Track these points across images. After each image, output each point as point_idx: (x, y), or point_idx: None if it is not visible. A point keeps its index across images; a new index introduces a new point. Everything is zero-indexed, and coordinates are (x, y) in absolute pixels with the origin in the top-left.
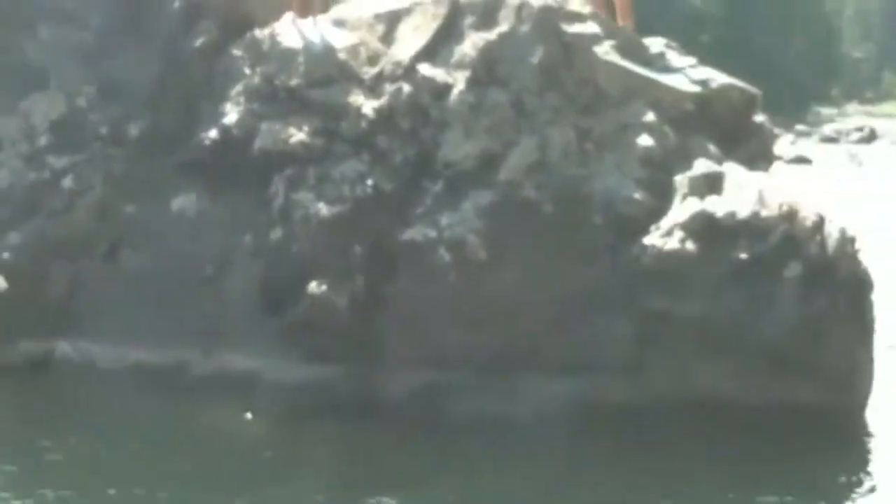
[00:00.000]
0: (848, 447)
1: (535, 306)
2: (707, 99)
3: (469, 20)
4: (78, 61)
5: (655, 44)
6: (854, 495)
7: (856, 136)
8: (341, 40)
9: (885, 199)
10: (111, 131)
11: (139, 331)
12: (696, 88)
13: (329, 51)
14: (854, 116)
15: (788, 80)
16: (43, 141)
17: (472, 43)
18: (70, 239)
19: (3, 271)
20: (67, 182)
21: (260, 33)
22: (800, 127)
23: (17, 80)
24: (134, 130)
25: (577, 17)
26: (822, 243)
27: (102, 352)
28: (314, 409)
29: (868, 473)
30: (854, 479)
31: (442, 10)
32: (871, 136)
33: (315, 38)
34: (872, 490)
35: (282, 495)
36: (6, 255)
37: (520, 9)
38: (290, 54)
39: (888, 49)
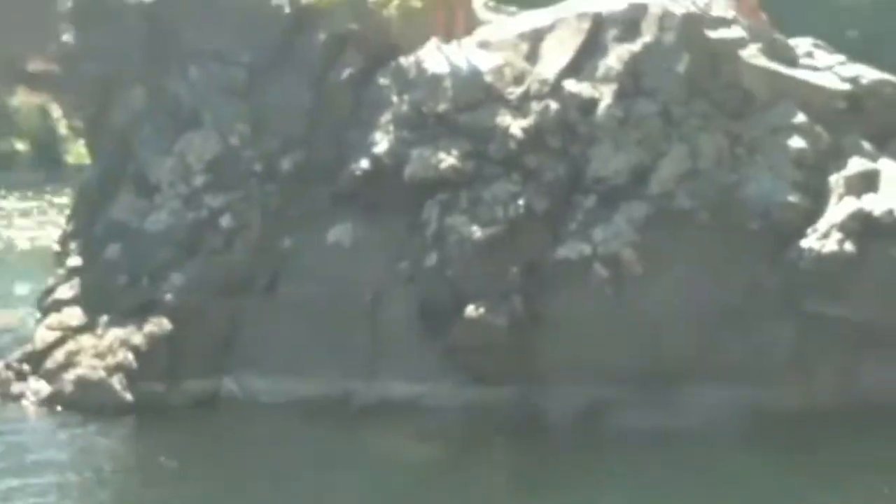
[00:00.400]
0: None
1: (694, 316)
2: (859, 96)
3: (612, 33)
4: (229, 99)
5: (802, 43)
6: None
7: None
8: (486, 62)
9: None
10: (265, 167)
11: (301, 363)
12: (847, 86)
13: (475, 74)
14: None
15: None
16: (199, 181)
17: (616, 56)
18: (230, 276)
19: (166, 312)
20: (225, 220)
21: (405, 61)
22: None
23: (170, 120)
24: (287, 164)
25: (722, 22)
26: None
27: (266, 386)
28: (479, 431)
29: None
30: None
31: (585, 25)
32: None
33: (460, 62)
34: None
35: None
36: (169, 296)
37: (663, 18)
38: (436, 80)
39: None
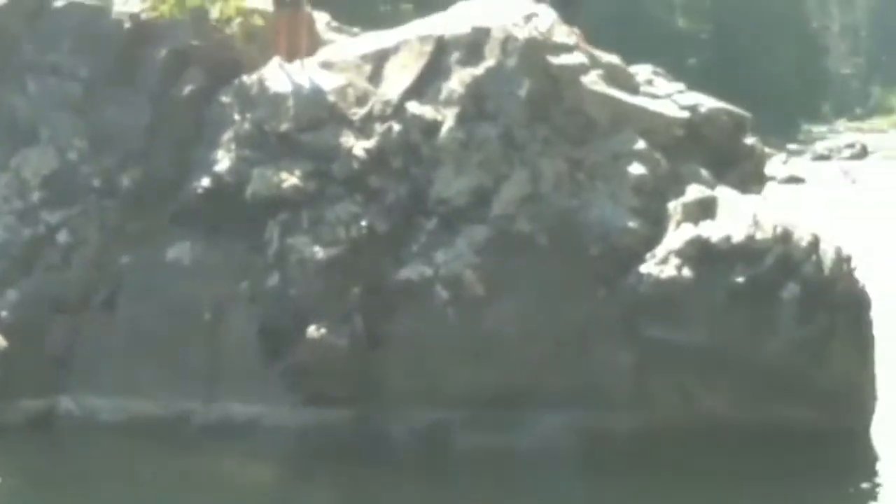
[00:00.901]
0: (853, 467)
1: (534, 339)
2: (697, 124)
3: (455, 56)
4: (68, 114)
5: (643, 71)
6: None
7: (847, 152)
8: (329, 82)
9: (880, 216)
10: (104, 183)
11: (140, 382)
12: (685, 114)
13: (318, 93)
14: (845, 133)
15: (778, 100)
16: (36, 196)
17: (459, 79)
18: (67, 293)
19: (1, 329)
20: (62, 236)
21: (248, 79)
22: (791, 146)
23: (6, 135)
24: (126, 181)
25: (563, 48)
26: (819, 263)
27: (104, 405)
28: (319, 452)
29: (874, 493)
30: (860, 499)
31: (428, 48)
32: (863, 152)
33: (303, 82)
34: None
35: None
36: (4, 313)
37: (505, 42)
38: (279, 99)
39: (876, 64)
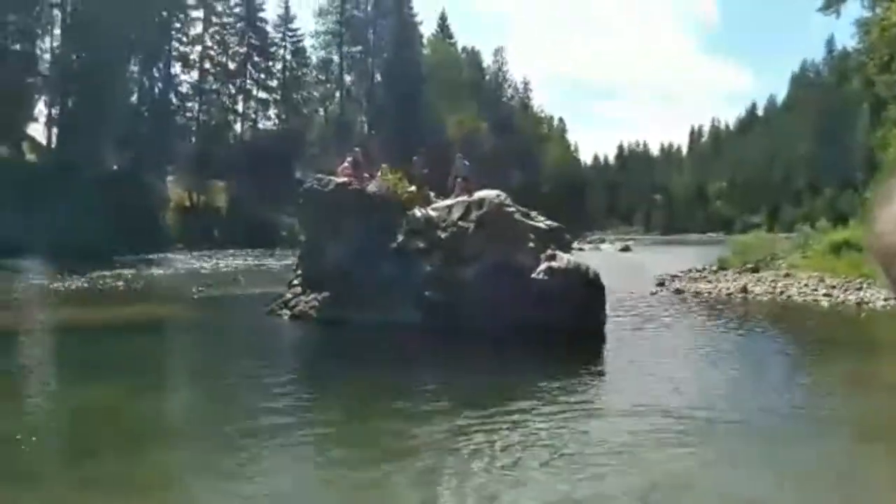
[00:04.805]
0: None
1: None
2: (551, 230)
3: (474, 207)
4: None
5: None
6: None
7: (619, 244)
8: (433, 214)
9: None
10: None
11: None
12: (546, 227)
13: (429, 217)
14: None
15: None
16: None
17: (476, 215)
18: None
19: None
20: None
21: (409, 212)
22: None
23: None
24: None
25: (508, 205)
26: (585, 270)
27: None
28: None
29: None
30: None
31: (465, 204)
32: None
33: (424, 214)
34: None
35: None
36: None
37: (490, 202)
38: (415, 219)
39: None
